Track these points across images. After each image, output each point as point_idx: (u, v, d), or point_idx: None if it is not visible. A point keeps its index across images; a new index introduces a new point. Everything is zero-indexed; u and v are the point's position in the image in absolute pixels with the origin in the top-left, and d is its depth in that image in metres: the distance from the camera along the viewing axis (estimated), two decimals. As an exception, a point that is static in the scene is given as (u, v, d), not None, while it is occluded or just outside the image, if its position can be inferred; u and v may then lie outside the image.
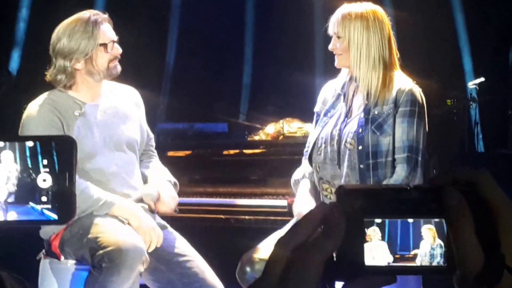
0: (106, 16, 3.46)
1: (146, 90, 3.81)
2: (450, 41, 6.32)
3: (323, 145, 3.42)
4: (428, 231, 0.81)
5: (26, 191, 1.02)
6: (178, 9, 6.89)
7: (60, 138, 1.03)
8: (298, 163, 3.69)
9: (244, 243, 3.63)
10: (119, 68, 3.46)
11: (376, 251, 0.80)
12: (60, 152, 1.02)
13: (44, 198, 1.02)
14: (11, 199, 1.02)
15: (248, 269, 3.33)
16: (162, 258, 3.37)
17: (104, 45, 3.37)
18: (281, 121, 5.00)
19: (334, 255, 0.80)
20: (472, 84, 5.65)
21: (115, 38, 3.45)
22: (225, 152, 4.92)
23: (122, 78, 3.56)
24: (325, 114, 3.49)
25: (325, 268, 0.77)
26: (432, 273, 0.82)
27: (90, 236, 3.20)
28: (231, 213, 4.58)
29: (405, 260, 0.82)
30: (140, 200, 3.47)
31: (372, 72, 3.31)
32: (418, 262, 0.82)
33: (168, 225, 3.53)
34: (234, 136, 5.45)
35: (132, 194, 3.44)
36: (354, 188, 0.83)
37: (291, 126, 4.78)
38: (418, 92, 3.35)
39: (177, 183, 3.59)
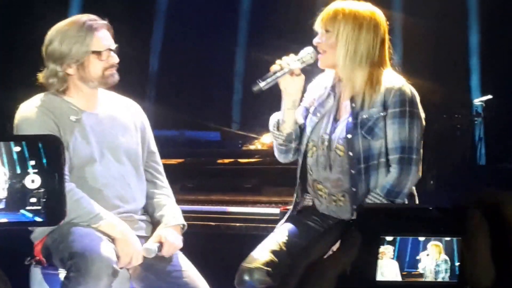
0: (105, 22, 3.44)
1: (131, 96, 3.80)
2: (460, 56, 6.43)
3: (314, 148, 3.44)
4: (434, 247, 0.85)
5: (16, 196, 1.03)
6: (163, 13, 6.91)
7: (46, 138, 1.04)
8: (292, 171, 3.71)
9: (236, 251, 3.68)
10: (116, 77, 3.44)
11: (386, 268, 0.85)
12: (48, 152, 1.03)
13: (33, 199, 1.03)
14: (1, 205, 1.04)
15: (247, 278, 3.32)
16: (151, 267, 3.40)
17: (98, 52, 3.35)
18: (278, 131, 5.03)
19: (348, 270, 0.84)
20: (478, 101, 5.79)
21: (113, 46, 3.42)
22: (219, 161, 4.98)
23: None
24: (314, 113, 3.48)
25: (337, 282, 0.83)
26: None
27: (64, 243, 3.25)
28: (222, 220, 4.64)
29: (411, 276, 0.87)
30: (131, 211, 3.49)
31: (356, 70, 3.28)
32: (424, 278, 0.87)
33: None
34: (227, 144, 5.52)
35: (123, 206, 3.46)
36: (373, 206, 0.94)
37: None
38: (408, 90, 3.32)
39: (186, 225, 3.60)
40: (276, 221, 4.10)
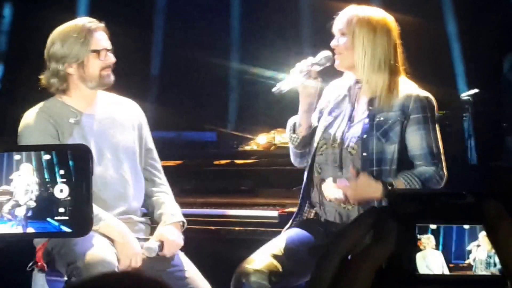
0: (102, 24, 3.66)
1: (131, 98, 3.95)
2: (442, 50, 6.37)
3: (325, 146, 3.58)
4: (485, 238, 0.79)
5: (44, 205, 1.04)
6: (162, 15, 6.98)
7: (75, 147, 1.07)
8: (290, 173, 3.88)
9: (234, 254, 3.74)
10: (112, 77, 3.64)
11: (431, 260, 0.79)
12: (76, 161, 1.05)
13: (61, 209, 1.04)
14: (30, 214, 1.05)
15: (243, 280, 3.42)
16: (153, 268, 3.49)
17: (96, 51, 3.57)
18: (273, 131, 5.16)
19: (384, 263, 0.78)
20: (465, 95, 5.63)
21: (109, 47, 3.64)
22: (215, 162, 5.08)
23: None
24: (329, 113, 3.64)
25: (374, 277, 0.76)
26: (490, 284, 0.81)
27: (65, 248, 3.36)
28: (221, 224, 4.74)
29: (459, 269, 0.80)
30: (130, 212, 3.62)
31: (377, 75, 3.45)
32: (473, 271, 0.81)
33: None
34: (223, 145, 5.59)
35: (123, 205, 3.59)
36: (407, 192, 0.83)
37: (283, 137, 4.91)
38: (428, 96, 3.50)
39: (185, 222, 3.73)
40: (274, 225, 4.24)
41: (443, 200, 0.79)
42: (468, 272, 0.80)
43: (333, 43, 3.55)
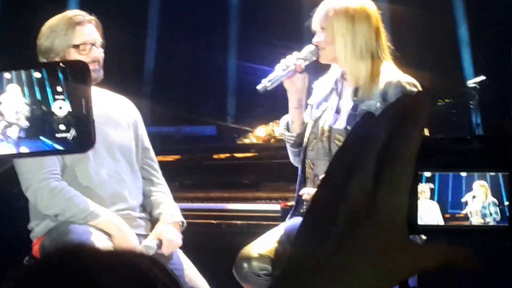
0: (91, 17, 3.61)
1: (126, 93, 3.95)
2: (448, 36, 6.37)
3: (314, 140, 3.63)
4: (480, 187, 0.79)
5: (38, 124, 1.03)
6: (157, 8, 7.00)
7: (72, 63, 1.06)
8: (290, 166, 3.90)
9: (237, 249, 3.77)
10: (99, 73, 3.57)
11: (426, 210, 0.78)
12: (74, 77, 1.04)
13: (62, 127, 1.03)
14: (22, 134, 1.04)
15: (245, 265, 3.50)
16: None
17: (77, 46, 3.52)
18: (271, 123, 5.19)
19: None
20: (472, 82, 5.62)
21: (96, 41, 3.57)
22: (215, 156, 5.14)
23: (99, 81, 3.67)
24: (317, 107, 3.69)
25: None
26: (493, 233, 0.81)
27: (61, 242, 3.37)
28: (222, 218, 4.79)
29: (455, 219, 0.80)
30: (128, 209, 3.64)
31: (359, 63, 3.48)
32: (469, 221, 0.80)
33: None
34: (223, 139, 5.64)
35: (120, 203, 3.62)
36: None
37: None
38: (411, 82, 3.50)
39: (185, 222, 3.74)
40: (277, 218, 4.29)
41: (446, 146, 0.78)
42: (465, 223, 0.80)
43: (314, 40, 3.59)
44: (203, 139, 5.70)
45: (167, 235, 3.58)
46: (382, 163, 0.73)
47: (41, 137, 1.04)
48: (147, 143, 3.87)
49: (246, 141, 5.30)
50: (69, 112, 1.03)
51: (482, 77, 5.54)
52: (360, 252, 0.72)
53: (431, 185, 0.79)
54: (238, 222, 4.73)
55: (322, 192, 0.76)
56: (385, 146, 0.73)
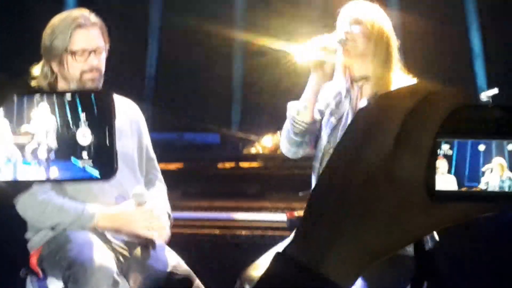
0: (96, 20, 3.45)
1: (128, 97, 3.84)
2: (462, 50, 6.39)
3: (331, 150, 3.56)
4: (498, 164, 0.80)
5: (66, 146, 1.06)
6: (159, 14, 6.99)
7: (99, 92, 1.07)
8: (298, 176, 3.86)
9: (241, 260, 3.73)
10: (98, 82, 3.44)
11: (440, 185, 0.79)
12: (99, 106, 1.06)
13: (85, 154, 1.05)
14: (52, 155, 1.06)
15: (247, 287, 3.43)
16: (151, 276, 3.46)
17: (73, 52, 3.37)
18: (278, 132, 5.16)
19: None
20: (485, 96, 5.61)
21: (96, 48, 3.41)
22: (220, 165, 5.10)
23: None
24: (331, 115, 3.62)
25: None
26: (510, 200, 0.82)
27: (61, 253, 3.30)
28: (227, 228, 4.74)
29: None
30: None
31: (383, 71, 3.44)
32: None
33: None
34: (227, 147, 5.60)
35: None
36: None
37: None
38: None
39: (171, 217, 3.63)
40: (283, 229, 4.27)
41: (467, 113, 0.78)
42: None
43: (345, 29, 3.47)
44: (206, 147, 5.63)
45: (159, 219, 3.48)
46: (407, 126, 0.75)
47: (72, 158, 1.06)
48: (152, 153, 3.78)
49: (252, 150, 5.23)
50: (92, 140, 1.06)
51: (495, 90, 5.57)
52: (378, 211, 0.75)
53: (448, 155, 0.80)
54: (243, 232, 4.68)
55: (338, 154, 0.79)
56: (411, 110, 0.76)
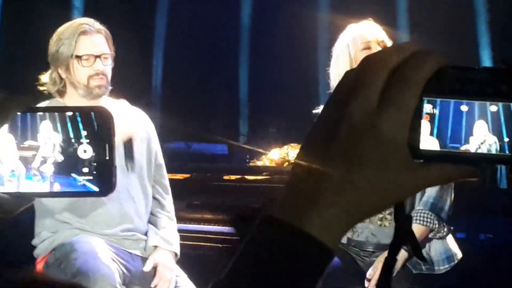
0: (100, 27, 3.52)
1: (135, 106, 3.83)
2: (471, 63, 6.39)
3: None
4: (480, 127, 0.81)
5: (68, 161, 1.10)
6: (164, 17, 7.00)
7: (99, 110, 1.11)
8: None
9: None
10: (104, 89, 3.49)
11: (423, 146, 0.79)
12: (99, 123, 1.09)
13: (85, 170, 1.09)
14: (56, 170, 1.10)
15: None
16: (143, 275, 3.51)
17: (79, 57, 3.42)
18: (286, 146, 5.17)
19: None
20: None
21: (102, 53, 3.47)
22: (225, 177, 5.09)
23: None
24: None
25: None
26: (494, 161, 0.84)
27: (66, 262, 3.34)
28: (230, 242, 4.73)
29: None
30: (134, 230, 3.59)
31: None
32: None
33: None
34: (234, 158, 5.65)
35: (128, 224, 3.57)
36: None
37: (296, 153, 4.89)
38: None
39: (178, 255, 3.66)
40: None
41: (453, 74, 0.79)
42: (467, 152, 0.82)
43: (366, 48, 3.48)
44: (214, 157, 5.64)
45: (164, 261, 3.55)
46: (391, 84, 0.76)
47: (73, 174, 1.09)
48: (161, 159, 3.77)
49: (259, 163, 5.25)
50: (92, 156, 1.09)
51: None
52: (361, 167, 0.75)
53: (431, 114, 0.81)
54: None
55: (325, 110, 0.79)
56: (396, 67, 0.76)
